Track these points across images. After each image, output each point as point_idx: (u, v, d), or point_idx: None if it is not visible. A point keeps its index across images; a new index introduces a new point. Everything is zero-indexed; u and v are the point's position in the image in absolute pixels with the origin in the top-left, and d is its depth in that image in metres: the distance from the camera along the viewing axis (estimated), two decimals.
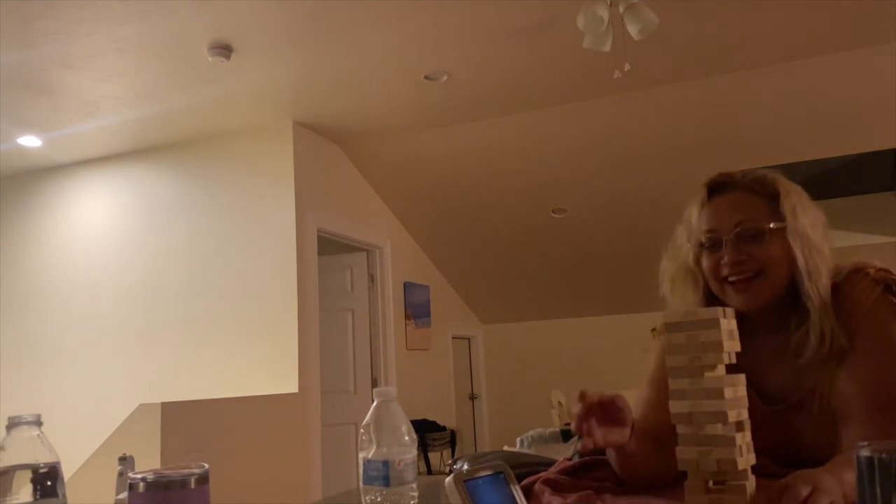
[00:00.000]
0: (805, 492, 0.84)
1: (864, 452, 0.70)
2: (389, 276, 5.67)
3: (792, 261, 1.16)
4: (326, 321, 4.98)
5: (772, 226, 1.16)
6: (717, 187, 1.24)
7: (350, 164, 5.38)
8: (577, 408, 1.05)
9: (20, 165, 5.24)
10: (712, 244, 1.20)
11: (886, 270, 1.18)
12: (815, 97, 4.42)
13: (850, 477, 0.76)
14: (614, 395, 1.07)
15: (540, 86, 4.37)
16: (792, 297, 1.18)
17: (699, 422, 0.89)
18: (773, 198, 1.19)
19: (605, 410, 1.06)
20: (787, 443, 1.16)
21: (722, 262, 1.18)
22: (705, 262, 1.22)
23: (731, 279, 1.18)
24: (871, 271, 1.17)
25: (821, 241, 1.18)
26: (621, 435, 1.08)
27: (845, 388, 1.12)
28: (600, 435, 1.06)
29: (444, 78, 4.17)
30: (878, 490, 0.69)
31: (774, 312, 1.20)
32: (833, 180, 5.91)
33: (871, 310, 1.13)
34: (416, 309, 6.11)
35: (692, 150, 4.96)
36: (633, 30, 3.20)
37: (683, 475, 0.91)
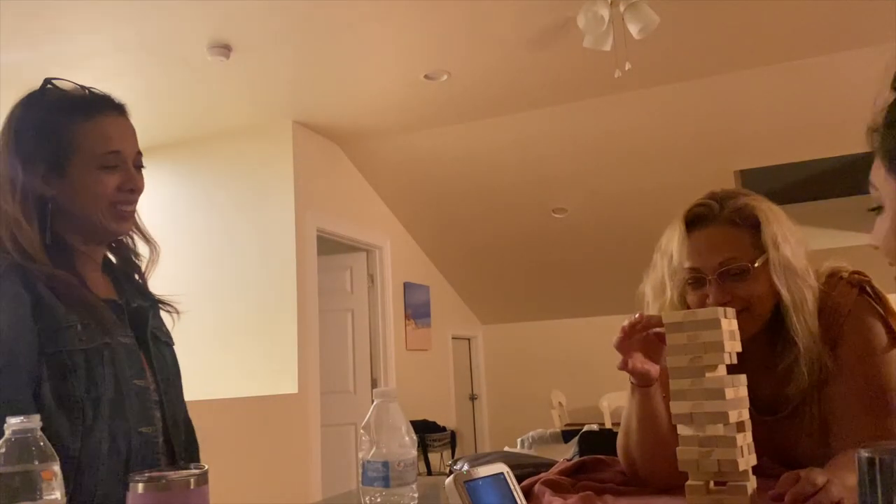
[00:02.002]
0: (822, 481, 0.86)
1: (865, 453, 0.70)
2: (389, 276, 5.66)
3: (777, 292, 1.15)
4: (326, 321, 4.97)
5: (756, 265, 1.15)
6: (695, 220, 1.21)
7: (350, 164, 5.38)
8: (626, 322, 1.09)
9: None
10: (695, 282, 1.19)
11: (860, 273, 1.20)
12: (815, 97, 4.42)
13: (851, 480, 0.77)
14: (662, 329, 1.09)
15: (540, 86, 4.37)
16: (777, 320, 1.17)
17: (700, 422, 0.89)
18: (754, 227, 1.17)
19: (648, 341, 1.10)
20: (783, 450, 1.17)
21: (707, 300, 1.17)
22: (690, 299, 1.21)
23: None
24: (846, 275, 1.19)
25: (804, 267, 1.17)
26: (655, 369, 1.11)
27: (833, 391, 1.14)
28: (639, 359, 1.10)
29: (444, 78, 4.17)
30: (878, 491, 0.69)
31: (760, 334, 1.20)
32: (833, 180, 5.90)
33: (851, 312, 1.15)
34: (416, 309, 6.11)
35: (692, 150, 4.96)
36: (633, 29, 3.20)
37: (684, 476, 0.91)
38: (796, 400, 1.17)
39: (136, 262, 1.33)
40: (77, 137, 1.16)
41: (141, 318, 1.26)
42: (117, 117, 1.22)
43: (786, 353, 1.15)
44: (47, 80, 1.21)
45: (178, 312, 1.35)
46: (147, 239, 1.33)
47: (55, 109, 1.18)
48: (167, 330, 1.34)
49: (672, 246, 1.21)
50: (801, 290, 1.14)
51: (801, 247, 1.18)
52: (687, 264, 1.18)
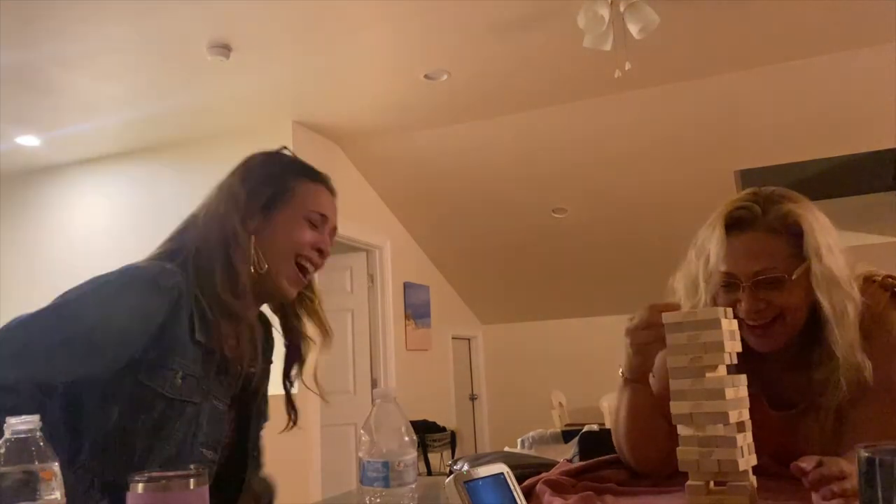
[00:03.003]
0: (848, 470, 0.88)
1: (865, 453, 0.70)
2: (389, 276, 5.66)
3: (813, 301, 1.13)
4: None
5: (794, 276, 1.12)
6: (735, 222, 1.17)
7: (350, 164, 5.38)
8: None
9: (18, 165, 5.23)
10: (729, 286, 1.17)
11: (893, 277, 1.19)
12: (815, 97, 4.42)
13: None
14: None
15: (540, 85, 4.36)
16: (812, 328, 1.15)
17: (700, 422, 0.89)
18: (795, 235, 1.13)
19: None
20: (795, 447, 1.17)
21: (739, 306, 1.15)
22: (720, 302, 1.18)
23: (748, 323, 1.15)
24: (879, 278, 1.19)
25: (847, 278, 1.14)
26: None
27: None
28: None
29: (444, 77, 4.17)
30: (878, 490, 0.69)
31: (793, 340, 1.19)
32: (833, 180, 5.90)
33: (881, 314, 1.14)
34: (416, 309, 6.10)
35: (692, 150, 4.96)
36: (633, 29, 3.20)
37: (684, 475, 0.91)
38: (817, 394, 1.16)
39: (294, 331, 1.35)
40: (297, 189, 1.26)
41: (253, 385, 1.28)
42: (331, 193, 1.32)
43: (824, 364, 1.13)
44: (283, 147, 1.35)
45: (290, 384, 1.36)
46: (324, 325, 1.39)
47: (287, 164, 1.31)
48: (268, 399, 1.35)
49: (709, 247, 1.18)
50: (843, 302, 1.12)
51: (843, 257, 1.15)
52: (722, 268, 1.16)
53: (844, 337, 1.11)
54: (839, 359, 1.12)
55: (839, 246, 1.16)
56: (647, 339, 1.08)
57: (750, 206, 1.17)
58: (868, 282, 1.19)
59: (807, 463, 0.90)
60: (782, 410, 1.19)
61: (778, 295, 1.13)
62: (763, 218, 1.15)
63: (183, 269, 1.14)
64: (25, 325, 1.03)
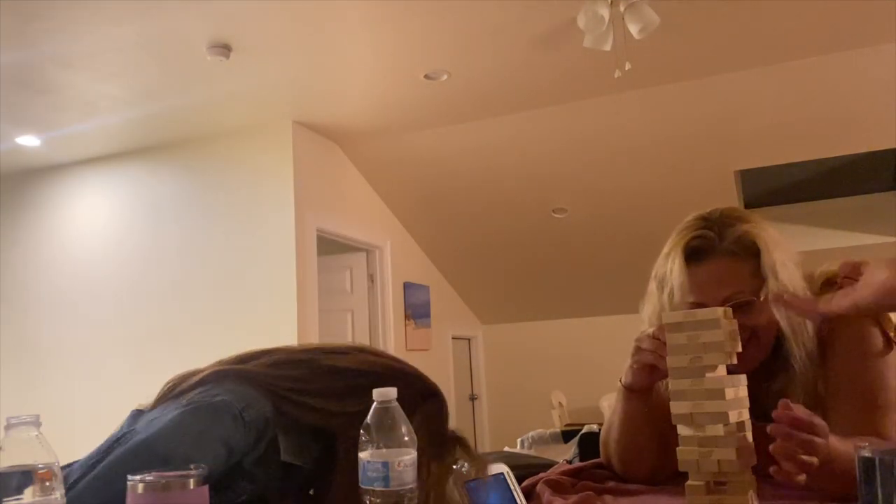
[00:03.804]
0: (825, 432, 0.90)
1: (865, 453, 0.70)
2: (389, 276, 5.66)
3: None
4: (326, 322, 4.97)
5: (761, 297, 1.14)
6: (693, 252, 1.17)
7: (350, 164, 5.38)
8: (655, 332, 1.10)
9: (19, 165, 5.24)
10: None
11: (853, 278, 1.19)
12: (815, 97, 4.42)
13: (841, 446, 0.86)
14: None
15: (540, 86, 4.37)
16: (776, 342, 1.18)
17: (700, 422, 0.89)
18: (754, 255, 1.15)
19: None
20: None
21: None
22: None
23: None
24: (838, 279, 1.19)
25: (802, 290, 1.15)
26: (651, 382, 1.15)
27: (830, 395, 1.15)
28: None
29: (444, 77, 4.17)
30: (878, 490, 0.69)
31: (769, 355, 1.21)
32: (833, 180, 5.90)
33: (842, 317, 1.14)
34: (416, 309, 6.10)
35: (692, 150, 4.96)
36: (633, 29, 3.20)
37: (683, 475, 0.91)
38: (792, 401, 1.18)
39: None
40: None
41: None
42: None
43: (780, 376, 1.16)
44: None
45: None
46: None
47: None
48: None
49: (672, 280, 1.18)
50: (798, 317, 1.14)
51: (797, 268, 1.17)
52: (690, 299, 1.16)
53: (801, 350, 1.13)
54: (795, 370, 1.13)
55: (792, 258, 1.17)
56: (649, 346, 1.10)
57: (705, 233, 1.17)
58: (827, 285, 1.19)
59: (800, 412, 0.90)
60: (764, 422, 1.20)
61: (748, 317, 1.13)
62: (720, 243, 1.16)
63: (274, 392, 1.10)
64: (111, 466, 0.99)
